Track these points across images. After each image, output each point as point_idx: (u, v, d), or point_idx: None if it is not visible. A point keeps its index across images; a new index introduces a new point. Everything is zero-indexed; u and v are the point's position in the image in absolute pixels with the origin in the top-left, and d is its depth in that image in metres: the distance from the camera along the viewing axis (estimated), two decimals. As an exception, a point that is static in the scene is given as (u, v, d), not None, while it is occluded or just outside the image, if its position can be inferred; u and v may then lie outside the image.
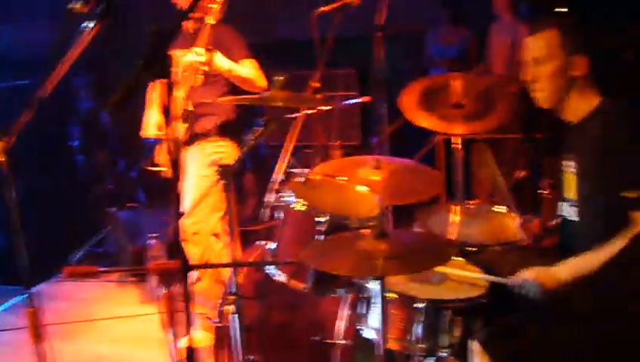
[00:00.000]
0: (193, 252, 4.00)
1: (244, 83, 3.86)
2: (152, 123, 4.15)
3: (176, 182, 1.80)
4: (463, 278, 2.69)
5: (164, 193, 4.20)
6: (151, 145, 4.32)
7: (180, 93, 3.92)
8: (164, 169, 4.23)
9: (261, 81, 3.91)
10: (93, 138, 7.38)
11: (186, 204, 4.00)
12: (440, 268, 2.68)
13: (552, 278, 2.42)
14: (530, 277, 2.44)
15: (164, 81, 4.16)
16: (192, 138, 4.04)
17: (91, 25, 2.08)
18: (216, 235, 4.09)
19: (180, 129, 3.92)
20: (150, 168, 4.36)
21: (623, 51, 4.59)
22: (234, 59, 3.84)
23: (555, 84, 2.55)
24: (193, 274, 4.10)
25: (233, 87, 3.96)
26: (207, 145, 4.05)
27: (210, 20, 3.50)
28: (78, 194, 6.54)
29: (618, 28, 4.24)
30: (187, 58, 3.64)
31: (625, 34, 4.71)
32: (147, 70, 1.71)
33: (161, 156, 4.26)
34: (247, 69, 3.89)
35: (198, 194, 3.88)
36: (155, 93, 4.21)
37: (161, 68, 1.67)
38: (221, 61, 3.75)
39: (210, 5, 3.48)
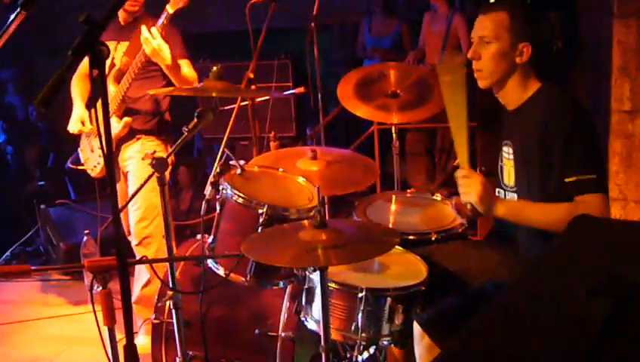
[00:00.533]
0: (145, 255, 3.77)
1: (183, 82, 3.76)
2: (74, 118, 4.00)
3: (113, 177, 1.74)
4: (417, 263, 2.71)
5: (95, 189, 4.13)
6: (75, 141, 4.20)
7: (113, 88, 3.84)
8: (89, 168, 4.13)
9: (196, 83, 3.83)
10: (21, 133, 7.18)
11: (132, 207, 3.91)
12: None
13: (488, 205, 2.49)
14: (475, 190, 2.48)
15: (86, 73, 4.05)
16: (131, 134, 3.93)
17: (16, 13, 2.01)
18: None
19: (116, 125, 3.81)
20: (74, 166, 4.26)
21: (552, 41, 4.71)
22: (174, 54, 3.70)
23: (498, 65, 2.58)
24: (143, 278, 4.01)
25: (168, 84, 3.87)
26: (148, 144, 3.94)
27: (170, 9, 3.42)
28: (7, 191, 6.36)
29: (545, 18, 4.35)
30: (154, 43, 3.48)
31: (551, 24, 4.84)
32: (77, 61, 1.66)
33: (85, 153, 4.15)
34: (186, 69, 3.82)
35: (143, 195, 3.72)
36: (77, 86, 4.08)
37: (95, 59, 1.61)
38: (165, 52, 3.60)
39: None
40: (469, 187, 2.49)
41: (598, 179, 2.42)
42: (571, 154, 2.42)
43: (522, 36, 2.54)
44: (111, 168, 1.76)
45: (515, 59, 2.55)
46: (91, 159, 4.08)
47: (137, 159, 3.89)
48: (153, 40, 3.47)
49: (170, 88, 3.79)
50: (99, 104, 1.69)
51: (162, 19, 3.48)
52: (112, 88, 3.84)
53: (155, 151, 2.63)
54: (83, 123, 3.97)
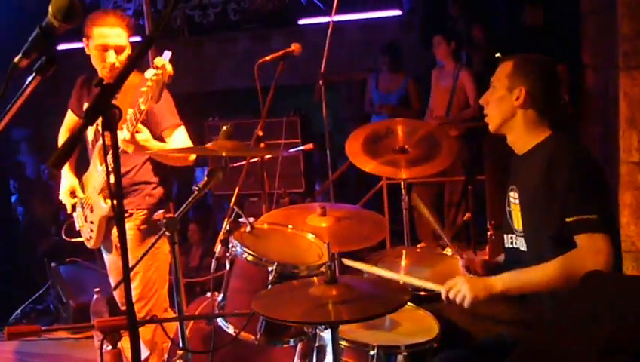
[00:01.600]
0: (144, 332, 3.64)
1: (173, 160, 3.60)
2: (65, 189, 3.80)
3: (124, 236, 1.74)
4: (429, 319, 2.70)
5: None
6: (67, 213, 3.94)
7: (101, 167, 3.56)
8: (83, 239, 3.86)
9: (190, 155, 3.60)
10: (32, 191, 7.24)
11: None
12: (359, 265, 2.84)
13: (484, 287, 2.47)
14: (461, 282, 2.49)
15: (73, 127, 3.77)
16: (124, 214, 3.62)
17: (31, 78, 2.05)
18: (166, 310, 3.77)
19: (103, 206, 3.55)
20: (68, 239, 4.00)
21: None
22: (164, 127, 3.50)
23: (498, 109, 2.69)
24: (143, 353, 3.88)
25: None
26: (143, 226, 3.64)
27: (143, 106, 3.03)
28: (18, 249, 6.38)
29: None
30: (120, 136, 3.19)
31: (562, 77, 4.89)
32: (90, 123, 1.68)
33: (80, 221, 3.85)
34: (178, 143, 3.53)
35: (141, 274, 3.55)
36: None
37: (107, 121, 1.63)
38: (149, 145, 3.33)
39: (142, 90, 2.98)
40: (459, 291, 2.50)
41: (600, 220, 2.42)
42: (572, 195, 2.45)
43: (519, 81, 2.63)
44: (122, 228, 1.76)
45: (514, 103, 2.63)
46: (85, 229, 3.81)
47: (131, 235, 3.56)
48: (127, 145, 3.24)
49: (184, 148, 3.55)
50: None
51: (138, 116, 3.14)
52: (99, 167, 3.59)
53: (164, 211, 2.62)
54: (74, 192, 3.78)
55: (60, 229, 6.12)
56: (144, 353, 3.79)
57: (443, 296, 2.55)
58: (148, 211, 3.63)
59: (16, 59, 2.08)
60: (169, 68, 2.87)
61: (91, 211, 3.69)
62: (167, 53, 2.88)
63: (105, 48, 3.43)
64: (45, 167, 7.41)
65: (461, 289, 2.48)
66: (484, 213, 4.63)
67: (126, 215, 3.52)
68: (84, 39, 3.52)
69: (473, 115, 5.67)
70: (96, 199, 3.61)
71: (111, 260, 3.83)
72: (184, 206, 2.63)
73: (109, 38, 3.42)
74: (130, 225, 3.58)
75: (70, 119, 3.92)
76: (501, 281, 2.49)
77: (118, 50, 3.45)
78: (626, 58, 3.97)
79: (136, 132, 3.21)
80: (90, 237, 3.76)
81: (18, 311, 5.70)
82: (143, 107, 3.04)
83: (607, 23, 4.32)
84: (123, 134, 3.18)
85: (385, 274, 2.82)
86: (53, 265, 5.60)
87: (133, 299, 3.69)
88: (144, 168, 3.64)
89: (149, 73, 2.90)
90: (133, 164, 3.60)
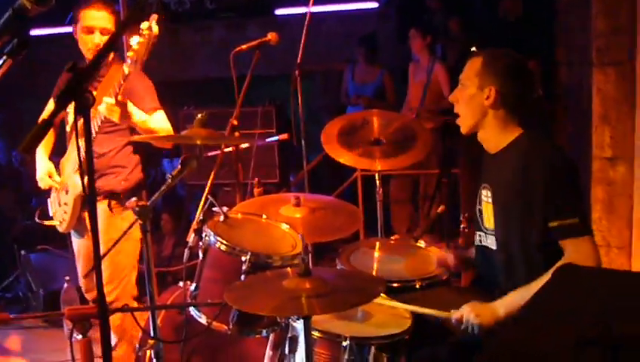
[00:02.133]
0: (113, 319, 3.56)
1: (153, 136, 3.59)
2: (42, 173, 3.80)
3: (95, 224, 1.73)
4: (399, 310, 2.69)
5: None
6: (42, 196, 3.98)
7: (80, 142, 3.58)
8: (56, 223, 3.87)
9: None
10: (3, 177, 7.14)
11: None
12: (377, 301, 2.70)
13: (490, 314, 2.45)
14: (469, 312, 2.47)
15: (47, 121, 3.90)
16: (97, 194, 3.59)
17: (2, 61, 2.01)
18: (135, 297, 3.80)
19: (79, 183, 3.56)
20: (40, 222, 4.00)
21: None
22: (144, 109, 3.53)
23: (470, 109, 2.65)
24: (112, 340, 3.86)
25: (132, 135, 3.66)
26: (115, 206, 3.70)
27: (127, 69, 3.13)
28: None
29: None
30: (100, 108, 3.31)
31: (534, 73, 4.92)
32: (62, 108, 1.66)
33: (53, 206, 3.89)
34: (158, 122, 3.58)
35: (110, 257, 3.40)
36: None
37: (80, 106, 1.61)
38: (133, 111, 3.42)
39: (128, 54, 3.04)
40: (468, 321, 2.47)
41: (582, 223, 2.44)
42: (553, 200, 2.45)
43: (489, 80, 2.59)
44: (94, 214, 1.74)
45: (484, 103, 2.60)
46: (58, 213, 3.83)
47: (103, 219, 3.62)
48: (112, 109, 3.30)
49: (160, 136, 3.57)
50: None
51: (121, 82, 3.22)
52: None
53: (138, 200, 2.59)
54: (51, 176, 3.78)
55: (29, 215, 6.05)
56: (113, 339, 3.77)
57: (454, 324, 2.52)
58: (122, 195, 3.68)
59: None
60: (155, 29, 2.89)
61: (66, 193, 3.72)
62: (154, 16, 2.91)
63: (90, 30, 3.55)
64: (17, 153, 7.31)
65: (469, 319, 2.46)
66: (459, 206, 4.65)
67: (99, 196, 3.63)
68: (73, 25, 3.64)
69: (449, 106, 5.67)
70: (72, 179, 3.65)
71: (81, 245, 3.87)
72: (157, 194, 2.60)
73: (94, 20, 3.54)
74: (102, 207, 3.65)
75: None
76: (503, 306, 2.47)
77: (104, 32, 3.55)
78: (599, 54, 4.01)
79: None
80: (64, 220, 3.78)
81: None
82: (127, 71, 3.13)
83: (582, 19, 4.35)
84: (108, 99, 3.27)
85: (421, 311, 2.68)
86: (23, 253, 5.53)
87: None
88: (123, 152, 3.73)
89: (134, 40, 2.94)
90: (112, 146, 3.69)
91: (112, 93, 3.28)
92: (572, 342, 1.24)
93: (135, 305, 3.75)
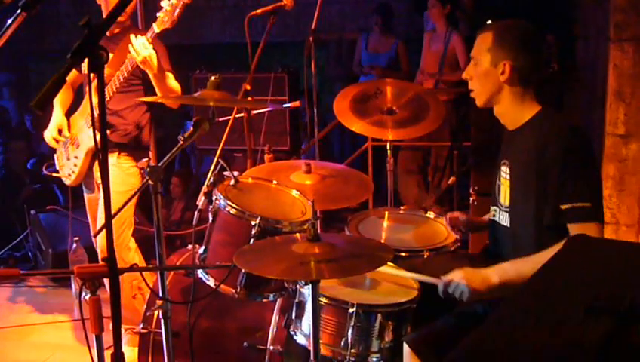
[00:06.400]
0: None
1: (168, 93, 3.69)
2: (52, 125, 3.94)
3: (107, 184, 1.73)
4: (394, 277, 2.69)
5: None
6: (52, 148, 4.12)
7: (95, 99, 3.67)
8: (63, 175, 4.04)
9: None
10: (12, 138, 7.16)
11: (100, 220, 3.83)
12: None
13: (482, 280, 2.41)
14: (459, 277, 2.43)
15: (69, 80, 3.97)
16: (108, 146, 3.74)
17: (16, 14, 2.00)
18: (129, 249, 3.99)
19: (90, 137, 3.68)
20: (48, 173, 4.18)
21: (550, 64, 4.75)
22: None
23: (483, 84, 2.59)
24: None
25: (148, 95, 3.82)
26: (124, 160, 3.89)
27: (157, 28, 3.31)
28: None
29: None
30: (145, 51, 3.41)
31: (551, 47, 4.88)
32: (76, 64, 1.65)
33: (60, 160, 4.06)
34: (172, 81, 3.75)
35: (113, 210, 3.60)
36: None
37: (93, 63, 1.59)
38: (155, 60, 3.53)
39: (158, 14, 3.27)
40: (457, 286, 2.42)
41: (593, 208, 2.39)
42: (567, 182, 2.40)
43: (503, 55, 2.52)
44: (105, 174, 1.74)
45: (499, 78, 2.54)
46: (66, 167, 4.00)
47: (112, 171, 3.75)
48: (144, 49, 3.40)
49: (173, 96, 3.69)
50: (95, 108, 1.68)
51: (150, 34, 3.39)
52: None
53: (149, 159, 2.59)
54: (60, 131, 3.91)
55: (39, 178, 6.09)
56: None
57: (441, 291, 2.47)
58: (131, 150, 3.88)
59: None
60: None
61: (77, 147, 3.88)
62: None
63: None
64: (29, 114, 7.31)
65: (459, 283, 2.41)
66: (469, 178, 4.64)
67: (111, 149, 3.80)
68: None
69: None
70: (85, 132, 3.81)
71: (91, 198, 4.04)
72: (168, 155, 2.60)
73: None
74: (113, 161, 3.82)
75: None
76: (497, 274, 2.42)
77: None
78: (617, 30, 3.96)
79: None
80: (73, 172, 3.93)
81: (-3, 255, 5.68)
82: (157, 29, 3.32)
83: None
84: (142, 40, 3.39)
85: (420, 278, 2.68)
86: (32, 212, 5.56)
87: (101, 232, 3.78)
88: (137, 110, 3.89)
89: (165, 2, 3.15)
90: (128, 104, 3.84)
91: (145, 39, 3.40)
92: (582, 310, 1.24)
93: (127, 253, 3.95)
